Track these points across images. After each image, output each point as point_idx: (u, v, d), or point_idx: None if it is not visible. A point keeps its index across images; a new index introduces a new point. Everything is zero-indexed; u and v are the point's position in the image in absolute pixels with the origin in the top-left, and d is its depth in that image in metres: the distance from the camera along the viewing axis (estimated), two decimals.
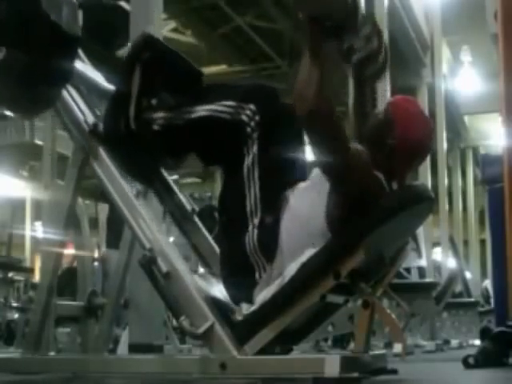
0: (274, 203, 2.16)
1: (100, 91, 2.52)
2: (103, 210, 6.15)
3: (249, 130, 2.19)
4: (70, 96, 2.40)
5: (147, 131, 2.29)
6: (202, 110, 2.23)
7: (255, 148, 2.18)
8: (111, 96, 2.42)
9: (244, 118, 2.19)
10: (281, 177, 2.18)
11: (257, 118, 2.19)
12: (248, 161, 2.18)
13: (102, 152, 2.33)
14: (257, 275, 2.12)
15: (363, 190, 2.06)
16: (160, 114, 2.29)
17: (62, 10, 2.18)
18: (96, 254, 6.49)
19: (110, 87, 2.50)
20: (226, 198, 2.28)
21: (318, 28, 1.99)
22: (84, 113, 2.39)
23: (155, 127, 2.29)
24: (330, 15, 2.01)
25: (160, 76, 2.38)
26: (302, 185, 2.22)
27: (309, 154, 2.26)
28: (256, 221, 2.13)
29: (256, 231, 2.12)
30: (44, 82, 2.22)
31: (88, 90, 2.51)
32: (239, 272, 2.16)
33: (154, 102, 2.34)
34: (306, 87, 1.99)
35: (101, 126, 2.35)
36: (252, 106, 2.19)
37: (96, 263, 6.23)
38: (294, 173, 2.26)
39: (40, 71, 2.18)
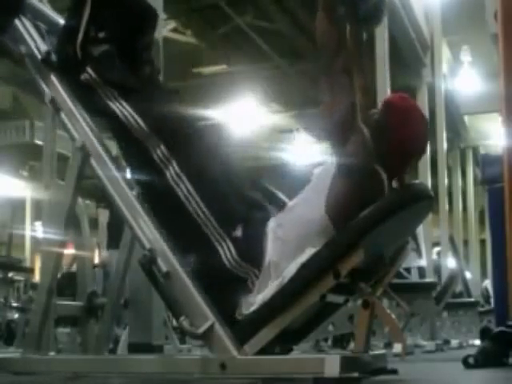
0: (234, 216, 2.19)
1: (53, 23, 2.59)
2: (103, 213, 6.16)
3: (171, 181, 2.21)
4: (24, 27, 2.46)
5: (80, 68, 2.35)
6: (118, 107, 2.28)
7: (185, 188, 2.19)
8: (63, 26, 2.49)
9: (155, 157, 2.22)
10: (224, 188, 2.22)
11: (165, 153, 2.22)
12: (188, 202, 2.19)
13: (54, 79, 2.39)
14: (249, 284, 2.13)
15: (366, 175, 2.09)
16: (90, 71, 2.33)
17: None
18: (96, 260, 6.49)
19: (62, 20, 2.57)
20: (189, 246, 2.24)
21: None
22: (36, 41, 2.45)
23: (82, 76, 2.33)
24: None
25: (110, 7, 2.43)
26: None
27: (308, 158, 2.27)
28: (228, 243, 2.16)
29: (233, 249, 2.15)
30: None
31: (42, 22, 2.58)
32: (233, 289, 2.15)
33: (101, 35, 2.40)
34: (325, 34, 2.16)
35: (53, 55, 2.41)
36: (163, 149, 2.22)
37: (96, 269, 6.22)
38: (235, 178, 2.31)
39: None
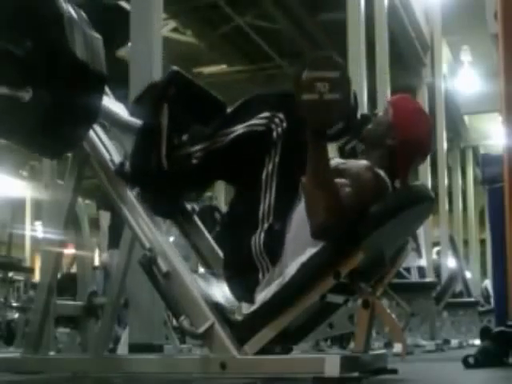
0: (285, 211, 2.15)
1: (123, 125, 2.45)
2: (105, 215, 6.14)
3: (275, 135, 2.16)
4: (96, 135, 2.35)
5: (183, 167, 2.25)
6: (239, 129, 2.21)
7: (277, 157, 2.16)
8: (139, 134, 2.34)
9: (272, 126, 2.18)
10: (295, 187, 2.16)
11: (284, 125, 2.17)
12: (268, 168, 2.16)
13: (128, 193, 2.27)
14: (260, 276, 2.12)
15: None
16: (198, 147, 2.25)
17: (88, 46, 2.11)
18: (97, 262, 6.49)
19: (134, 121, 2.41)
20: (239, 200, 2.27)
21: (321, 136, 1.98)
22: (110, 152, 2.34)
23: (194, 161, 2.24)
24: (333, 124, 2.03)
25: (188, 111, 2.35)
26: None
27: None
28: (266, 225, 2.13)
29: (263, 235, 2.12)
30: (70, 123, 2.15)
31: (111, 124, 2.46)
32: (243, 272, 2.15)
33: (184, 138, 2.29)
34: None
35: (127, 165, 2.30)
36: (281, 115, 2.17)
37: (97, 270, 6.21)
38: None
39: (66, 112, 2.10)
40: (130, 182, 2.29)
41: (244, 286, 2.14)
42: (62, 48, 2.05)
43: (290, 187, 2.16)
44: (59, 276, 2.81)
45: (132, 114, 2.43)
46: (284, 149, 2.17)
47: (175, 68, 2.36)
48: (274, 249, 2.11)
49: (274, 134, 2.17)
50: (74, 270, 5.36)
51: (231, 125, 2.23)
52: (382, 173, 2.14)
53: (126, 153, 2.39)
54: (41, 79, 2.07)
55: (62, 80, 2.06)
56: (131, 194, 2.27)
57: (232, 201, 2.32)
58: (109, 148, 2.36)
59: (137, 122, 2.38)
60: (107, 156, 2.33)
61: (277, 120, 2.18)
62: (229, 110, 2.36)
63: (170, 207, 2.51)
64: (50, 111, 2.08)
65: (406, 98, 2.30)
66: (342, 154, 2.36)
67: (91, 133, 2.33)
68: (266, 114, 2.19)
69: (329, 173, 2.02)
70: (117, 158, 2.33)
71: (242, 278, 2.15)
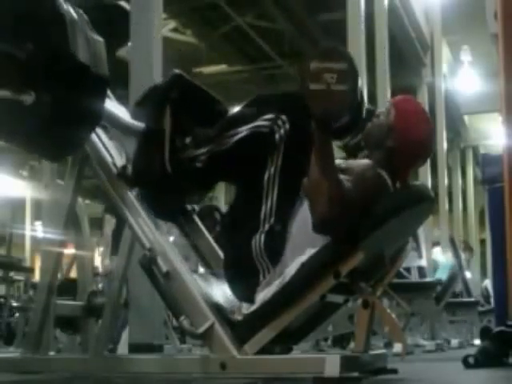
0: (287, 213, 2.15)
1: (125, 127, 2.42)
2: (109, 221, 6.12)
3: (277, 137, 2.17)
4: (98, 137, 2.35)
5: (188, 171, 2.25)
6: (243, 131, 2.21)
7: (280, 159, 2.16)
8: (142, 138, 2.33)
9: (275, 127, 2.18)
10: (297, 189, 2.17)
11: (287, 126, 2.17)
12: (271, 170, 2.17)
13: (129, 195, 2.27)
14: (261, 277, 2.13)
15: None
16: (202, 150, 2.25)
17: (90, 49, 2.10)
18: (100, 267, 6.48)
19: (136, 124, 2.39)
20: (241, 201, 2.28)
21: (327, 128, 1.96)
22: (112, 155, 2.34)
23: (198, 164, 2.25)
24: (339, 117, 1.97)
25: (190, 114, 2.34)
26: None
27: None
28: (267, 226, 2.14)
29: (263, 236, 2.13)
30: (72, 126, 2.15)
31: (113, 126, 2.44)
32: (243, 273, 2.16)
33: (187, 141, 2.29)
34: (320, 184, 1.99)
35: (129, 169, 2.29)
36: (283, 116, 2.18)
37: (100, 277, 6.20)
38: None
39: (68, 115, 2.10)
40: (133, 185, 2.29)
41: (244, 287, 2.15)
42: (63, 50, 2.04)
43: (292, 189, 2.16)
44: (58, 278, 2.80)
45: (134, 116, 2.41)
46: (287, 150, 2.17)
47: (177, 71, 2.36)
48: (275, 250, 2.11)
49: (277, 135, 2.17)
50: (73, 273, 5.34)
51: (235, 126, 2.23)
52: (383, 173, 2.14)
53: (127, 155, 2.38)
54: (43, 82, 2.06)
55: (63, 83, 2.06)
56: (132, 195, 2.27)
57: (233, 201, 2.32)
58: (111, 151, 2.35)
59: (139, 124, 2.37)
60: (109, 159, 2.32)
61: (280, 122, 2.18)
62: (233, 111, 2.36)
63: (171, 210, 2.51)
64: (52, 114, 2.08)
65: (409, 99, 2.28)
66: (347, 149, 2.35)
67: (93, 136, 2.33)
68: (270, 115, 2.19)
69: (333, 165, 2.02)
70: (119, 161, 2.33)
71: (243, 278, 2.15)
